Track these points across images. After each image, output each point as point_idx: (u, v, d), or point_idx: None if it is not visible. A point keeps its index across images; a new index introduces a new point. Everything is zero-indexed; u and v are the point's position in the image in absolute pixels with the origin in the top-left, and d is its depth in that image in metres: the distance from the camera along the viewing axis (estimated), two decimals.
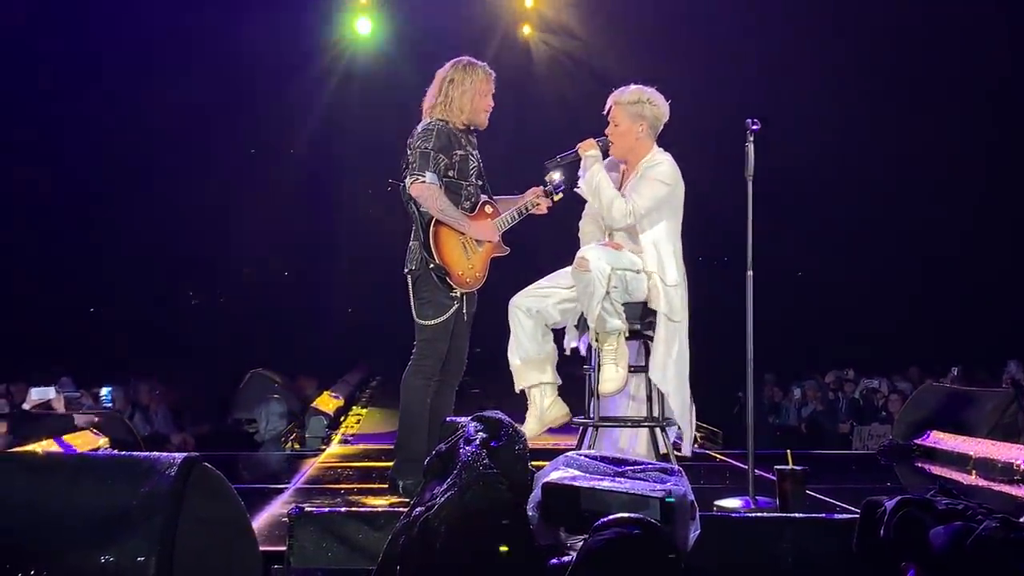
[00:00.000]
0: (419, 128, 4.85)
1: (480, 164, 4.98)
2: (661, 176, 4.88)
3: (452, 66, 4.91)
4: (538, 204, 5.02)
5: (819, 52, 12.86)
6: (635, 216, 4.81)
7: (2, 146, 12.59)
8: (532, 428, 4.88)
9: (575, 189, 5.00)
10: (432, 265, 4.74)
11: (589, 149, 4.95)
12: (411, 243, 4.86)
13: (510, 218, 4.97)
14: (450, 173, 4.81)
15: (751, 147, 4.75)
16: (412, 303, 4.85)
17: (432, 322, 4.78)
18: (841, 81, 13.25)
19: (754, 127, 4.75)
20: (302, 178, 15.01)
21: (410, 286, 4.86)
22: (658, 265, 4.84)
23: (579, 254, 4.76)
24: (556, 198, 5.04)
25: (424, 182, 4.72)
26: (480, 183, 4.97)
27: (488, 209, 4.96)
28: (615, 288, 4.67)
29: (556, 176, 5.02)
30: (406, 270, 4.86)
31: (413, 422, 4.75)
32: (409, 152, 4.82)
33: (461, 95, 4.84)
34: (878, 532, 3.60)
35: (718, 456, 7.17)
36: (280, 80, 13.77)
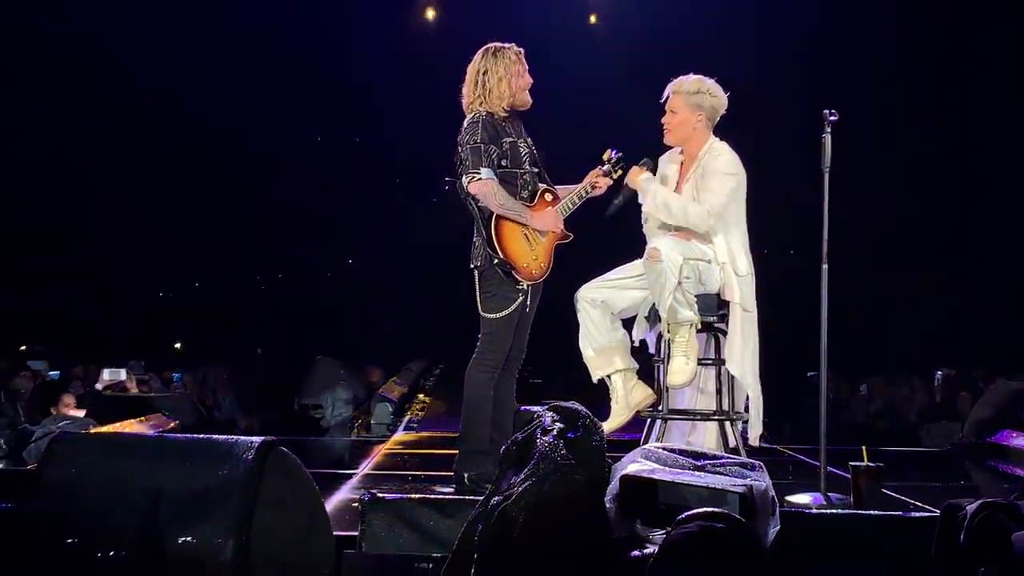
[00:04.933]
0: (465, 123, 4.82)
1: (533, 150, 4.93)
2: (726, 167, 4.83)
3: (481, 56, 4.86)
4: (597, 183, 4.95)
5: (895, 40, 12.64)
6: (714, 215, 4.77)
7: (84, 144, 12.83)
8: (620, 414, 4.87)
9: (642, 208, 4.97)
10: (496, 260, 4.71)
11: (638, 177, 4.89)
12: (475, 239, 4.84)
13: (571, 203, 4.90)
14: (503, 163, 4.77)
15: (828, 138, 4.67)
16: (478, 297, 4.83)
17: (497, 315, 4.76)
18: (909, 70, 13.03)
19: (832, 118, 4.66)
20: (366, 167, 15.11)
21: (476, 279, 4.84)
22: (729, 255, 4.80)
23: (650, 245, 4.73)
24: (616, 175, 4.98)
25: (480, 179, 4.69)
26: (535, 170, 4.91)
27: (548, 197, 4.91)
28: (687, 279, 4.63)
29: (613, 153, 4.97)
30: (472, 266, 4.84)
31: (476, 415, 4.74)
32: (460, 149, 4.78)
33: (498, 83, 4.79)
34: (958, 537, 3.51)
35: (784, 451, 7.10)
36: (347, 68, 13.85)
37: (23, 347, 11.60)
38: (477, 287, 4.83)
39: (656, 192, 4.85)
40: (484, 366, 4.78)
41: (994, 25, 12.18)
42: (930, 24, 12.54)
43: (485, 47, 4.88)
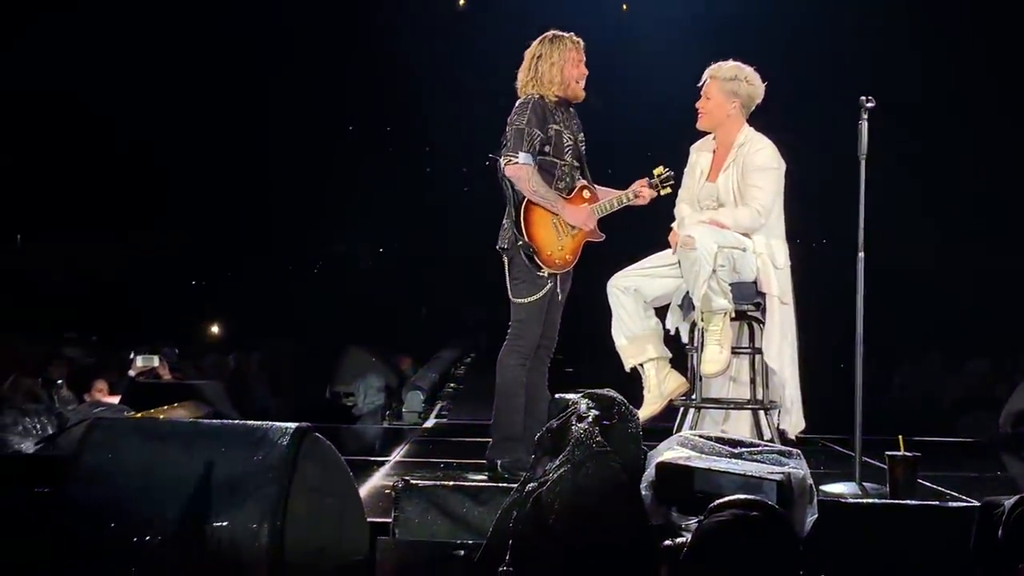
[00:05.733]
0: (516, 104, 4.83)
1: (577, 144, 4.90)
2: (769, 162, 4.80)
3: (539, 42, 4.87)
4: (640, 194, 4.90)
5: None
6: (764, 213, 4.73)
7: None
8: (653, 403, 4.86)
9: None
10: (520, 243, 4.71)
11: (682, 239, 4.67)
12: (505, 221, 4.84)
13: (608, 205, 4.85)
14: (546, 149, 4.76)
15: (864, 125, 4.60)
16: (508, 282, 4.84)
17: (527, 300, 4.76)
18: (945, 62, 12.88)
19: (869, 104, 4.60)
20: (398, 155, 15.13)
21: (505, 265, 4.85)
22: (767, 247, 4.77)
23: (684, 232, 4.70)
24: (663, 192, 4.94)
25: (517, 163, 4.70)
26: (577, 164, 4.90)
27: (586, 194, 4.88)
28: (722, 267, 4.60)
29: (664, 169, 4.93)
30: (499, 247, 4.85)
31: (509, 402, 4.74)
32: (507, 129, 4.80)
33: (551, 67, 4.79)
34: (996, 532, 3.46)
35: (818, 440, 7.04)
36: (378, 61, 13.86)
37: (61, 333, 11.70)
38: (507, 272, 4.84)
39: (706, 229, 4.66)
40: (516, 352, 4.78)
41: None
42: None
43: (544, 34, 4.89)
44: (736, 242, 4.71)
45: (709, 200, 4.91)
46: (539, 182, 4.73)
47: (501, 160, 4.76)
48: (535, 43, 4.89)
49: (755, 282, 4.77)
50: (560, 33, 4.88)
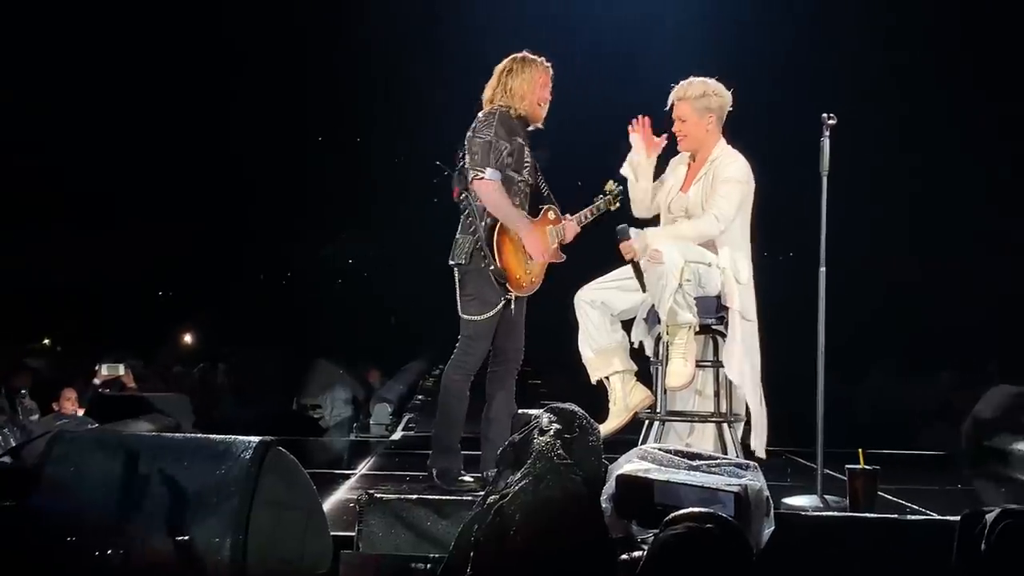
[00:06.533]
0: (480, 115, 4.81)
1: (533, 163, 4.90)
2: (737, 175, 4.83)
3: (511, 59, 4.89)
4: (595, 212, 5.04)
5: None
6: (722, 220, 4.75)
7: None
8: (618, 416, 4.88)
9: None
10: (493, 268, 4.68)
11: (653, 260, 4.66)
12: (459, 236, 4.80)
13: (560, 231, 4.93)
14: (508, 160, 4.75)
15: (827, 142, 4.67)
16: (458, 297, 4.79)
17: (478, 318, 4.72)
18: (910, 75, 13.01)
19: (830, 121, 4.66)
20: (368, 167, 15.10)
21: (457, 280, 4.80)
22: (731, 262, 4.80)
23: (652, 246, 4.72)
24: (614, 207, 5.03)
25: (484, 178, 4.67)
26: (532, 183, 4.90)
27: (551, 215, 4.92)
28: (688, 281, 4.63)
29: (615, 184, 5.01)
30: (453, 263, 4.79)
31: (449, 416, 4.74)
32: (471, 141, 4.76)
33: (521, 83, 4.80)
34: (979, 546, 3.46)
35: (784, 453, 7.10)
36: (353, 70, 13.83)
37: (24, 343, 11.61)
38: (458, 287, 4.80)
39: (667, 246, 4.66)
40: (462, 369, 4.76)
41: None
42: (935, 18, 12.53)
43: (516, 54, 4.91)
44: (701, 257, 4.74)
45: (679, 211, 4.95)
46: (507, 201, 4.71)
47: (469, 174, 4.74)
48: (507, 60, 4.90)
49: (719, 296, 4.81)
50: (531, 55, 4.90)
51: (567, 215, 4.99)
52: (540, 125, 4.95)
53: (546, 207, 4.93)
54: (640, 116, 5.05)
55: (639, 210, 5.12)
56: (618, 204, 5.03)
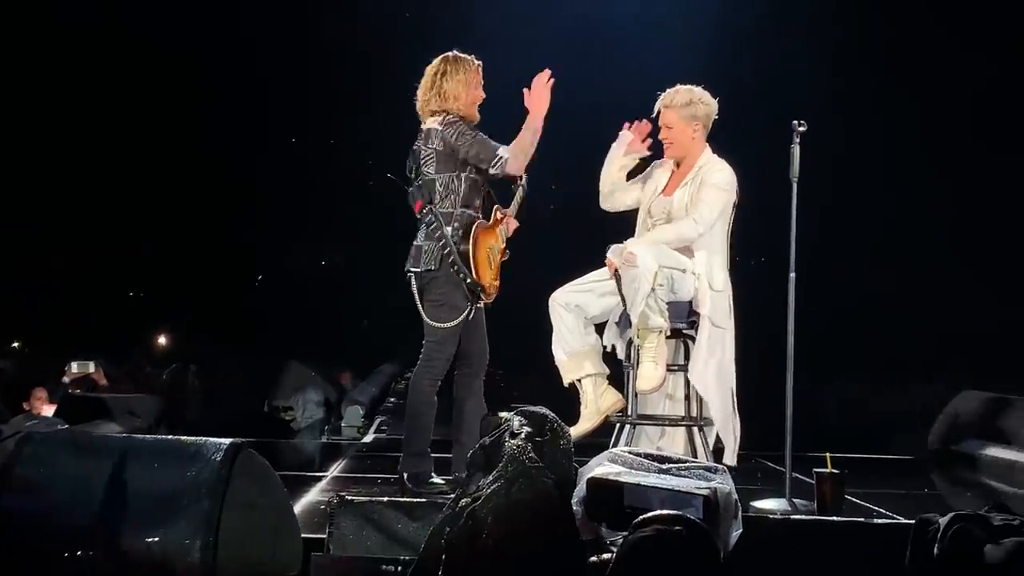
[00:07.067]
0: (438, 127, 4.72)
1: None
2: (723, 183, 4.87)
3: (441, 60, 4.82)
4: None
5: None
6: (702, 225, 4.80)
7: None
8: (590, 419, 4.91)
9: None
10: (469, 281, 4.67)
11: (627, 262, 4.72)
12: (424, 243, 4.75)
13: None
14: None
15: (796, 148, 4.71)
16: (422, 305, 4.75)
17: (447, 324, 4.71)
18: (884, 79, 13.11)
19: (800, 128, 4.70)
20: (340, 168, 15.06)
21: (422, 284, 4.75)
22: (707, 269, 4.83)
23: (627, 249, 4.74)
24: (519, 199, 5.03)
25: (506, 159, 4.67)
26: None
27: (499, 215, 4.93)
28: (661, 286, 4.66)
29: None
30: (420, 270, 4.73)
31: (418, 421, 4.73)
32: (457, 142, 4.68)
33: (455, 85, 4.75)
34: (931, 550, 3.51)
35: (754, 457, 7.14)
36: (326, 73, 13.79)
37: None
38: (422, 292, 4.75)
39: (641, 249, 4.71)
40: (429, 374, 4.75)
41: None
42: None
43: (446, 53, 4.85)
44: (676, 263, 4.77)
45: (661, 214, 4.98)
46: (524, 146, 4.71)
47: (492, 170, 4.70)
48: (437, 60, 4.83)
49: (691, 302, 4.85)
50: (461, 54, 4.84)
51: (504, 209, 4.99)
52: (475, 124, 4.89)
53: (496, 207, 4.94)
54: (641, 119, 5.09)
55: (602, 200, 5.18)
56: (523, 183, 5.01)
